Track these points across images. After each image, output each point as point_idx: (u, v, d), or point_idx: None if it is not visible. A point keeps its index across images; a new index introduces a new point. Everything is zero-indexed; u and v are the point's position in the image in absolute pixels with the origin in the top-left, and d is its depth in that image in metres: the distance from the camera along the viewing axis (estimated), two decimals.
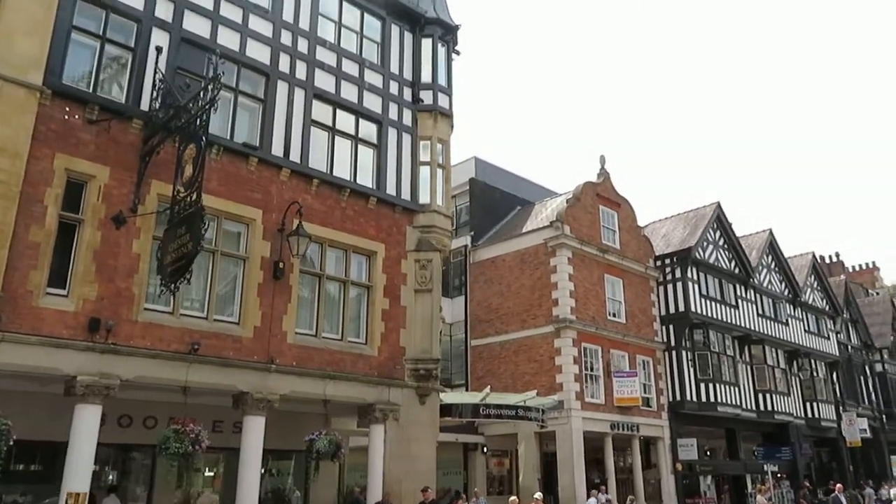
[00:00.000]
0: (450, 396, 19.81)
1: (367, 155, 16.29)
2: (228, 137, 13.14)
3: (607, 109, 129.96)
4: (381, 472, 14.49)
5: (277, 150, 13.91)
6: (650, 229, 28.98)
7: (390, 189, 16.32)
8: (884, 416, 37.55)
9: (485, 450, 23.24)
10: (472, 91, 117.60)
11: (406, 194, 16.63)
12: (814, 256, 34.98)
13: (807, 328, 32.53)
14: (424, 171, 17.33)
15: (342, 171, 15.55)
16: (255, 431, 12.33)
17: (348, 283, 15.20)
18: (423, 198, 16.91)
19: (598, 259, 24.32)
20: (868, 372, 38.19)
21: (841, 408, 33.51)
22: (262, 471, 13.27)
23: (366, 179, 16.02)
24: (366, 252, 15.67)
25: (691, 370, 25.69)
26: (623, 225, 26.06)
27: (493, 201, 27.80)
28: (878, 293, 45.08)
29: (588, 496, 20.87)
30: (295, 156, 14.53)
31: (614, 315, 24.49)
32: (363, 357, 14.98)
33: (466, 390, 23.57)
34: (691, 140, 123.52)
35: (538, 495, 12.85)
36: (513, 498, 13.40)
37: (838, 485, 23.02)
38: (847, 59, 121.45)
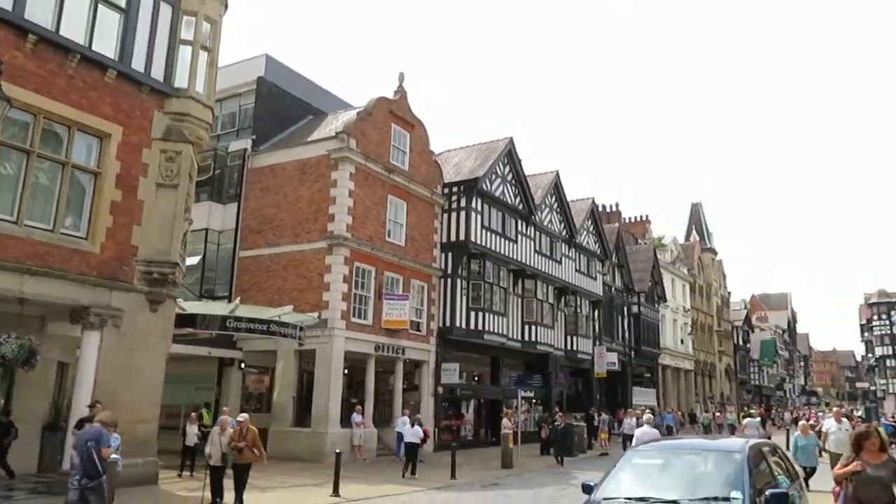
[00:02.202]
0: (195, 306, 18.26)
1: (110, 18, 13.86)
2: None
3: (424, 32, 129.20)
4: (91, 384, 12.85)
5: None
6: (443, 157, 28.75)
7: (137, 64, 14.12)
8: (633, 352, 41.68)
9: (242, 365, 22.09)
10: None
11: (158, 73, 14.52)
12: (593, 202, 37.13)
13: (578, 268, 34.66)
14: (185, 52, 15.25)
15: (74, 32, 13.06)
16: None
17: (69, 165, 12.97)
18: (180, 81, 14.91)
19: (383, 178, 23.55)
20: (626, 312, 41.97)
21: (598, 342, 36.51)
22: None
23: (106, 48, 13.67)
24: (97, 133, 13.49)
25: (464, 298, 26.19)
26: (415, 147, 25.45)
27: (283, 106, 25.82)
28: (645, 243, 49.45)
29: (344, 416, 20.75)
30: (6, 1, 11.91)
31: (394, 237, 24.05)
32: (80, 253, 12.98)
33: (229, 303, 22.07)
34: (502, 78, 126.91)
35: (243, 416, 12.10)
36: (244, 414, 12.51)
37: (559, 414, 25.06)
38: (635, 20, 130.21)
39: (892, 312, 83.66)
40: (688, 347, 53.13)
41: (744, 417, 29.20)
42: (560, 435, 23.09)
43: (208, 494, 12.01)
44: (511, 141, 28.78)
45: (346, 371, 22.27)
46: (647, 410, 23.62)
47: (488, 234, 27.19)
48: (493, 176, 27.63)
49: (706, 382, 59.04)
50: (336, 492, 13.86)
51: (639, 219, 55.51)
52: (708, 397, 57.74)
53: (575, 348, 33.99)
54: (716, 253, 66.46)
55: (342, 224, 21.66)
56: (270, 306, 20.62)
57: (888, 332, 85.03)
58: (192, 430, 16.25)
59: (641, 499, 5.79)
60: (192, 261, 21.89)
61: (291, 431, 21.12)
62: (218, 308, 18.90)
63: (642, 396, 41.69)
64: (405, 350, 23.90)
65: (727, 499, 5.58)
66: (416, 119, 25.75)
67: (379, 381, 23.77)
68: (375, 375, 23.02)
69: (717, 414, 45.61)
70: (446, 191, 26.66)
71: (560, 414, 25.29)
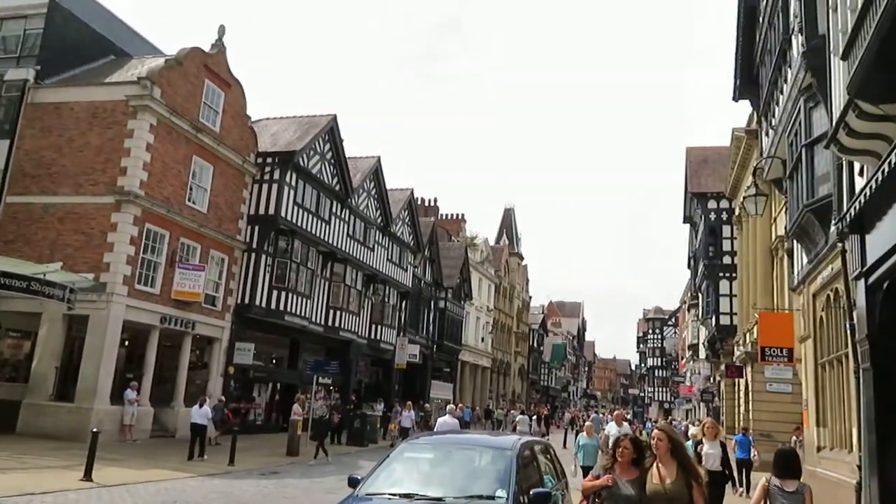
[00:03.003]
0: None
1: None
2: None
3: None
4: None
5: None
6: (261, 125, 27.09)
7: None
8: (435, 346, 42.43)
9: None
10: None
11: None
12: (412, 193, 37.19)
13: (389, 257, 34.47)
14: None
15: None
16: None
17: None
18: None
19: (189, 136, 21.56)
20: (432, 306, 42.59)
21: (402, 333, 36.59)
22: None
23: None
24: None
25: (267, 276, 24.83)
26: (229, 109, 23.65)
27: (79, 39, 22.76)
28: (458, 241, 50.61)
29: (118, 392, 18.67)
30: None
31: (195, 202, 22.15)
32: None
33: None
34: (330, 60, 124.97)
35: None
36: None
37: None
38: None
39: (664, 328, 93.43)
40: (487, 345, 55.27)
41: (520, 415, 30.53)
42: (323, 426, 20.81)
43: None
44: (334, 118, 27.83)
45: (125, 343, 20.15)
46: (452, 404, 23.91)
47: (300, 211, 26.02)
48: (312, 152, 26.50)
49: (501, 380, 61.91)
50: (88, 475, 12.21)
51: (456, 216, 56.72)
52: (501, 395, 60.59)
53: (379, 337, 33.76)
54: (522, 258, 69.95)
55: (135, 180, 19.46)
56: (38, 262, 18.00)
57: (658, 345, 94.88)
58: None
59: (406, 495, 5.35)
60: None
61: (50, 406, 18.63)
62: None
63: (440, 390, 42.61)
64: (196, 325, 22.10)
65: (492, 497, 5.31)
66: (234, 79, 23.96)
67: (165, 356, 21.81)
68: (160, 350, 21.04)
69: (512, 411, 47.84)
70: (260, 160, 25.11)
71: (331, 402, 24.34)
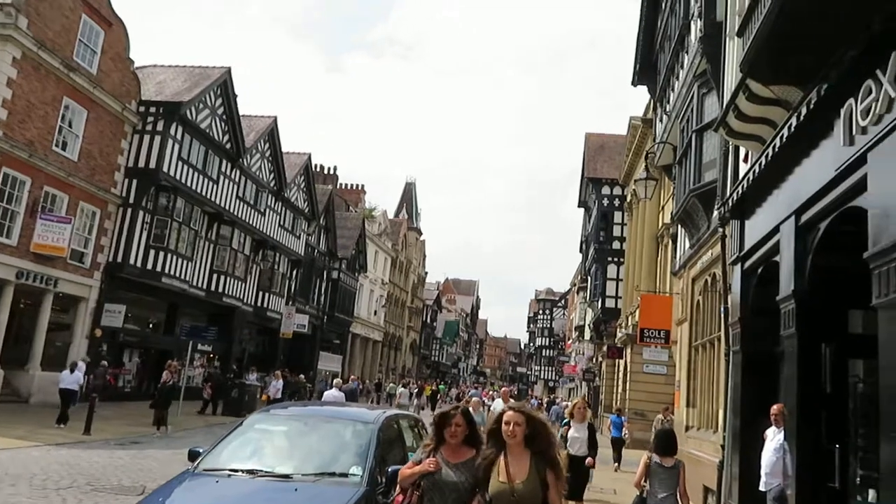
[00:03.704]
0: None
1: None
2: None
3: None
4: None
5: None
6: (146, 71, 25.15)
7: None
8: (326, 317, 41.52)
9: None
10: None
11: None
12: (309, 158, 35.91)
13: (282, 223, 33.19)
14: None
15: None
16: None
17: None
18: None
19: (60, 75, 19.59)
20: (325, 276, 41.60)
21: (291, 302, 35.47)
22: None
23: None
24: None
25: (145, 234, 23.18)
26: (109, 50, 21.69)
27: None
28: (356, 212, 49.68)
29: None
30: None
31: (64, 149, 20.24)
32: None
33: None
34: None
35: None
36: None
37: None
38: None
39: (554, 309, 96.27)
40: (380, 319, 54.83)
41: (400, 388, 30.25)
42: (165, 393, 17.41)
43: None
44: (228, 72, 26.23)
45: None
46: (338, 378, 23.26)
47: (185, 168, 24.41)
48: (202, 105, 24.87)
49: (392, 354, 61.76)
50: None
51: (355, 187, 55.64)
52: (391, 368, 60.47)
53: (266, 305, 32.56)
54: (421, 233, 69.79)
55: None
56: None
57: (548, 325, 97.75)
58: None
59: (250, 471, 4.79)
60: None
61: None
62: None
63: (328, 362, 41.80)
64: (59, 282, 20.31)
65: (346, 475, 4.84)
66: (117, 17, 21.98)
67: (22, 314, 19.94)
68: (15, 307, 19.18)
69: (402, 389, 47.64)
70: (142, 109, 23.28)
71: (171, 368, 22.32)
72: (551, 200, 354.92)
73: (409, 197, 69.47)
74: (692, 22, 12.07)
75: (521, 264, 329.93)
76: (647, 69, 16.56)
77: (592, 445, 9.50)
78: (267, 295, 32.54)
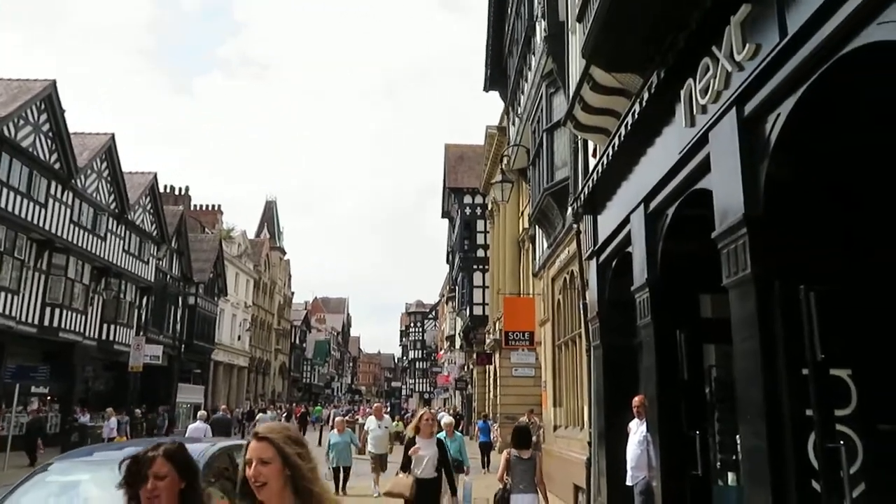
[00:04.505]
0: None
1: None
2: None
3: None
4: None
5: None
6: None
7: None
8: (183, 346, 38.84)
9: None
10: None
11: None
12: (155, 178, 33.48)
13: (127, 248, 30.63)
14: None
15: None
16: None
17: None
18: None
19: None
20: (180, 302, 38.93)
21: (142, 333, 32.81)
22: None
23: None
24: None
25: None
26: None
27: None
28: (213, 233, 47.16)
29: None
30: None
31: None
32: None
33: None
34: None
35: None
36: None
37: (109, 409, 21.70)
38: None
39: (425, 321, 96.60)
40: (244, 344, 52.30)
41: (259, 413, 28.62)
42: None
43: None
44: (53, 85, 23.83)
45: None
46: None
47: (5, 191, 21.80)
48: (22, 121, 22.38)
49: (260, 379, 59.11)
50: None
51: (211, 208, 52.91)
52: (260, 395, 57.82)
53: (113, 338, 29.85)
54: (284, 252, 67.61)
55: None
56: None
57: (420, 337, 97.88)
58: None
59: None
60: None
61: None
62: None
63: (189, 393, 39.10)
64: None
65: None
66: None
67: None
68: None
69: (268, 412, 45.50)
70: None
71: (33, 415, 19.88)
72: (417, 214, 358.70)
73: (270, 216, 67.10)
74: (537, 23, 12.15)
75: (391, 279, 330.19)
76: (498, 75, 16.68)
77: (444, 464, 7.72)
78: (113, 327, 29.87)
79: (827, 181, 4.41)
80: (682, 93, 5.52)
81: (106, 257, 28.49)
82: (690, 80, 5.35)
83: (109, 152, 28.51)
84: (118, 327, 30.22)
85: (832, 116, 4.20)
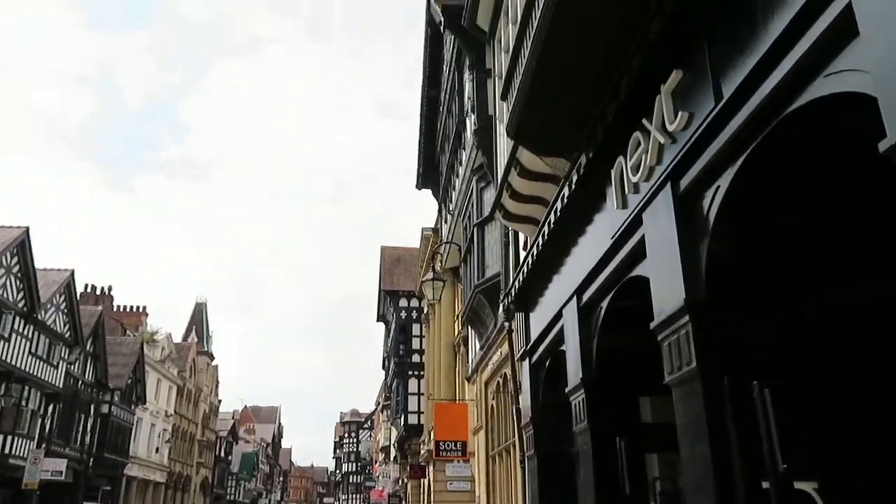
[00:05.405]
0: None
1: None
2: None
3: None
4: None
5: None
6: None
7: None
8: (92, 460, 35.64)
9: None
10: None
11: None
12: (72, 276, 31.68)
13: (33, 350, 28.38)
14: None
15: None
16: None
17: None
18: None
19: None
20: (92, 411, 36.07)
21: (44, 445, 29.93)
22: None
23: None
24: None
25: None
26: None
27: None
28: (135, 335, 44.70)
29: None
30: None
31: None
32: None
33: None
34: None
35: None
36: None
37: None
38: None
39: (360, 431, 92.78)
40: (163, 457, 48.59)
41: None
42: None
43: None
44: None
45: None
46: None
47: None
48: None
49: (178, 497, 54.62)
50: None
51: (136, 309, 50.50)
52: None
53: (9, 451, 27.02)
54: (213, 357, 64.60)
55: None
56: None
57: (354, 449, 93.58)
58: None
59: None
60: None
61: None
62: None
63: None
64: None
65: None
66: None
67: None
68: None
69: None
70: None
71: None
72: (354, 318, 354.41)
73: (199, 318, 64.53)
74: (467, 118, 12.02)
75: (327, 386, 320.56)
76: (431, 172, 16.50)
77: None
78: (11, 438, 27.12)
79: (775, 258, 3.93)
80: (613, 172, 5.10)
81: (7, 360, 26.22)
82: (621, 158, 4.94)
83: (22, 246, 26.88)
84: (17, 439, 27.47)
85: (777, 186, 3.77)
